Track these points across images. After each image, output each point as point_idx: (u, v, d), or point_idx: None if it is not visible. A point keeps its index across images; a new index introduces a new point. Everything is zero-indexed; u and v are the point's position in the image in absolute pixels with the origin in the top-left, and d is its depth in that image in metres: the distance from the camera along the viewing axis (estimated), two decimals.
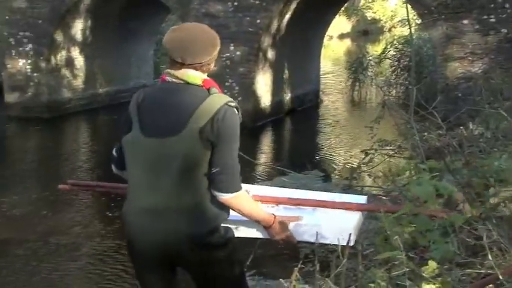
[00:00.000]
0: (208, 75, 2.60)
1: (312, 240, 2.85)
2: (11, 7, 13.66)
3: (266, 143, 12.34)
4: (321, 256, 3.19)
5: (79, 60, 14.84)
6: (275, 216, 2.75)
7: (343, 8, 23.40)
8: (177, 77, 2.56)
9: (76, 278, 5.83)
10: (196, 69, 2.56)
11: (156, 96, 2.60)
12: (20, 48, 13.77)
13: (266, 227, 2.75)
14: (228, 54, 12.42)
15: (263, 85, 13.00)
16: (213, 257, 2.58)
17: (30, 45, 13.72)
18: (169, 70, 2.59)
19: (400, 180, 4.69)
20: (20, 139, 12.67)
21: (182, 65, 2.55)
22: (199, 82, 2.55)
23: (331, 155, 10.92)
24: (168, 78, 2.58)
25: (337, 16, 18.04)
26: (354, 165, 7.17)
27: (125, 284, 5.49)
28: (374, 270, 2.57)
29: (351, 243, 2.82)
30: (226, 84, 12.53)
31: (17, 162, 10.60)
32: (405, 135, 5.75)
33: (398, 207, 3.83)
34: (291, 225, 2.80)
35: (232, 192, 2.56)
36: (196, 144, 2.49)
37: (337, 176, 9.36)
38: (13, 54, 13.81)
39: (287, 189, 3.61)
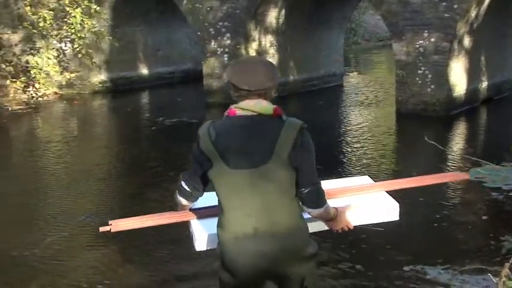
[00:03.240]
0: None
1: (366, 222, 3.13)
2: None
3: (459, 132, 11.88)
4: None
5: (272, 49, 15.31)
6: (337, 209, 2.94)
7: None
8: (249, 110, 2.71)
9: None
10: (260, 97, 2.72)
11: (234, 131, 2.72)
12: (219, 38, 14.53)
13: (329, 221, 2.95)
14: (422, 42, 12.12)
15: (457, 73, 12.52)
16: (308, 268, 2.83)
17: (228, 35, 14.42)
18: (238, 105, 2.73)
19: None
20: None
21: (248, 94, 2.71)
22: (271, 111, 2.71)
23: None
24: (240, 112, 2.72)
25: None
26: None
27: None
28: None
29: (397, 218, 3.21)
30: (419, 72, 12.25)
31: None
32: None
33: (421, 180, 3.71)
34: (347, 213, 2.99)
35: (322, 207, 2.82)
36: (285, 170, 2.68)
37: None
38: (212, 43, 14.62)
39: None
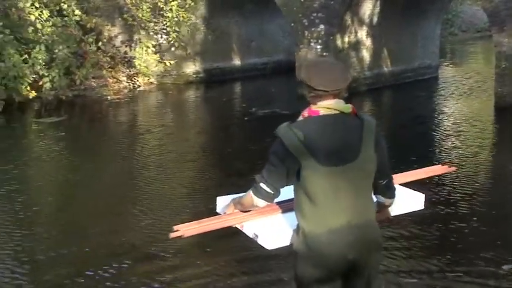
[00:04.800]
0: None
1: (398, 213, 3.36)
2: None
3: None
4: None
5: (366, 40, 15.11)
6: None
7: None
8: (332, 109, 2.83)
9: None
10: (335, 97, 2.84)
11: (322, 130, 2.82)
12: (312, 29, 14.47)
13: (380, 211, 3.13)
14: None
15: None
16: (381, 255, 3.07)
17: (321, 26, 14.34)
18: (320, 104, 2.83)
19: None
20: None
21: (323, 95, 2.81)
22: (350, 110, 2.86)
23: None
24: (323, 112, 2.83)
25: None
26: None
27: None
28: None
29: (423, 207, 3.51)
30: None
31: None
32: None
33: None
34: None
35: (395, 196, 3.11)
36: (371, 165, 2.86)
37: None
38: (306, 34, 14.57)
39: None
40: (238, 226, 3.16)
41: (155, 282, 4.98)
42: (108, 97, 14.98)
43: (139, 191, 7.64)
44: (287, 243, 3.00)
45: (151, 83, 16.69)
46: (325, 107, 2.83)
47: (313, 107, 2.86)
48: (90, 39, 15.17)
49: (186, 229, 3.08)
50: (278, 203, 3.17)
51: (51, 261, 5.46)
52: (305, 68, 2.90)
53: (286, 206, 3.19)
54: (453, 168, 3.93)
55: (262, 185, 2.92)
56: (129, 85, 16.17)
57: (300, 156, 2.79)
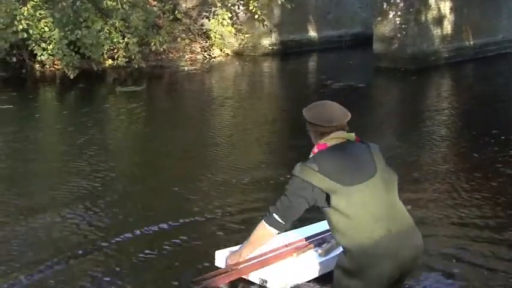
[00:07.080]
0: None
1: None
2: None
3: None
4: None
5: (446, 13, 14.67)
6: None
7: None
8: (338, 138, 3.14)
9: None
10: (340, 130, 3.16)
11: (335, 157, 3.10)
12: (391, 1, 14.15)
13: None
14: None
15: None
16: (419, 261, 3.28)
17: None
18: (325, 139, 3.14)
19: None
20: (385, 89, 13.20)
21: (330, 131, 3.13)
22: (354, 138, 3.19)
23: None
24: (330, 143, 3.13)
25: None
26: None
27: None
28: None
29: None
30: None
31: (376, 113, 10.93)
32: None
33: None
34: None
35: None
36: (393, 175, 3.16)
37: None
38: (384, 6, 14.27)
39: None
40: (244, 276, 3.44)
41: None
42: (185, 68, 15.14)
43: (206, 159, 7.73)
44: (297, 282, 3.34)
45: (227, 54, 16.77)
46: (332, 137, 3.14)
47: (320, 142, 3.16)
48: (167, 8, 15.30)
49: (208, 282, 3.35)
50: (287, 244, 3.60)
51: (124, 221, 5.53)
52: (311, 110, 3.22)
53: (286, 252, 3.53)
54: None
55: (275, 215, 3.21)
56: (205, 56, 16.31)
57: (322, 185, 3.03)
